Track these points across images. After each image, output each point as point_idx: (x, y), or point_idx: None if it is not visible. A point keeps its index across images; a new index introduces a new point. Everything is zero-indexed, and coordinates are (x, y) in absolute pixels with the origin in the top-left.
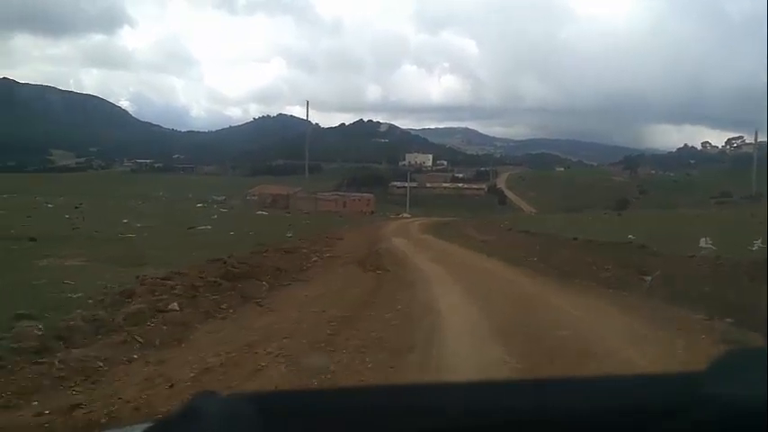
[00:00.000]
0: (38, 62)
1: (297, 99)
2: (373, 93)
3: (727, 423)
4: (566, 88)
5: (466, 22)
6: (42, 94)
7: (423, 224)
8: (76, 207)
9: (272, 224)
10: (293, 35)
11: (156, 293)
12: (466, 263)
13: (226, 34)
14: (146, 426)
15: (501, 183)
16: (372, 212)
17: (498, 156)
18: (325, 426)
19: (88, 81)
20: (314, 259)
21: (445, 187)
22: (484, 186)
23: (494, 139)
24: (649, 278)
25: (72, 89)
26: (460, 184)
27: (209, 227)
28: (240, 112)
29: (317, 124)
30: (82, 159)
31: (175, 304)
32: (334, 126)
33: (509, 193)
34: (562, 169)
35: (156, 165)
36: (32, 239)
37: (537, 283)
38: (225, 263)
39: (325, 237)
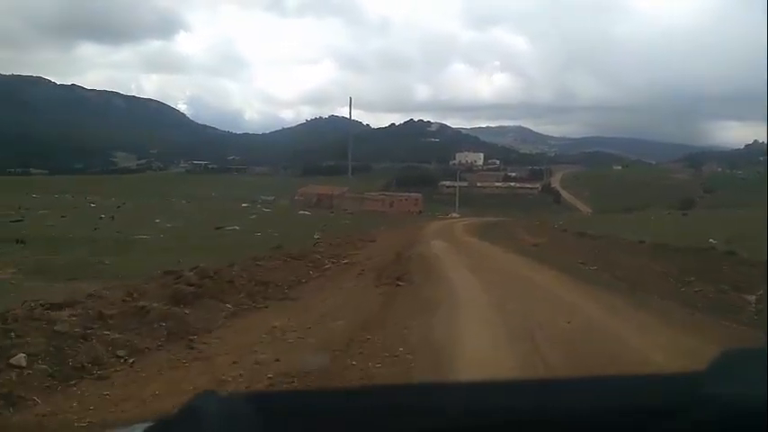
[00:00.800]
0: (102, 69)
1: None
2: (423, 92)
3: (727, 423)
4: (621, 85)
5: (516, 19)
6: (107, 99)
7: (470, 224)
8: (118, 207)
9: (306, 224)
10: (342, 36)
11: (15, 335)
12: (511, 273)
13: (276, 37)
14: (146, 425)
15: (555, 182)
16: (420, 212)
17: (552, 154)
18: (326, 426)
19: (148, 86)
20: (325, 267)
21: (497, 186)
22: (537, 185)
23: (547, 137)
24: (753, 298)
25: (134, 94)
26: (513, 184)
27: (238, 227)
28: (292, 114)
29: (367, 125)
30: (142, 161)
31: (22, 357)
32: (384, 126)
33: (564, 193)
34: (620, 167)
35: (211, 166)
36: (20, 242)
37: (603, 305)
38: (179, 278)
39: (357, 238)
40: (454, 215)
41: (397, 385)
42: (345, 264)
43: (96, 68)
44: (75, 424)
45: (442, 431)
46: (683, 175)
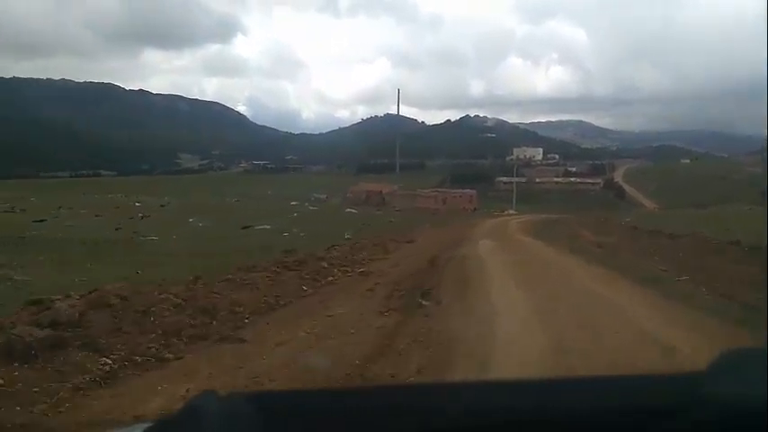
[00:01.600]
0: (167, 74)
1: (403, 99)
2: (478, 88)
3: (727, 423)
4: (686, 76)
5: (573, 10)
6: (172, 102)
7: (526, 222)
8: (162, 206)
9: (345, 223)
10: (395, 34)
11: None
12: (575, 287)
13: (330, 37)
14: (146, 426)
15: (618, 176)
16: (475, 209)
17: (614, 149)
18: (326, 426)
19: (210, 88)
20: (329, 279)
21: (556, 182)
22: (599, 180)
23: (608, 131)
24: None
25: (197, 97)
26: (573, 179)
27: (269, 227)
28: (347, 113)
29: (422, 122)
30: (205, 162)
31: None
32: (439, 123)
33: (627, 188)
34: (688, 161)
35: (270, 166)
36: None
37: (717, 342)
38: (44, 311)
39: (392, 239)
40: (510, 212)
41: (398, 385)
42: (360, 273)
43: (161, 74)
44: None
45: (441, 431)
46: (758, 168)
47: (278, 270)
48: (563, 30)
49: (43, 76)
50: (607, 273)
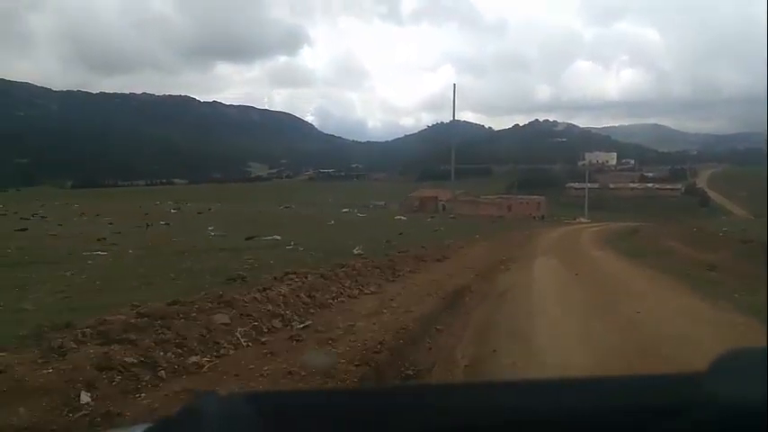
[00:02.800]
0: (238, 86)
1: (468, 104)
2: (545, 93)
3: (727, 423)
4: None
5: (643, 10)
6: (244, 113)
7: (600, 232)
8: (199, 213)
9: (378, 232)
10: (459, 41)
11: None
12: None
13: (394, 45)
14: (146, 426)
15: (701, 182)
16: (542, 217)
17: (694, 153)
18: (326, 426)
19: (279, 99)
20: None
21: (632, 188)
22: (680, 186)
23: (687, 134)
24: None
25: (267, 107)
26: (651, 185)
27: (279, 237)
28: (412, 120)
29: (489, 128)
30: (273, 170)
31: None
32: (507, 128)
33: (712, 194)
34: None
35: (337, 174)
36: None
37: None
38: None
39: (418, 255)
40: (582, 220)
41: (398, 385)
42: (289, 340)
43: (234, 86)
44: None
45: (442, 431)
46: None
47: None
48: (633, 30)
49: (126, 91)
50: (758, 325)
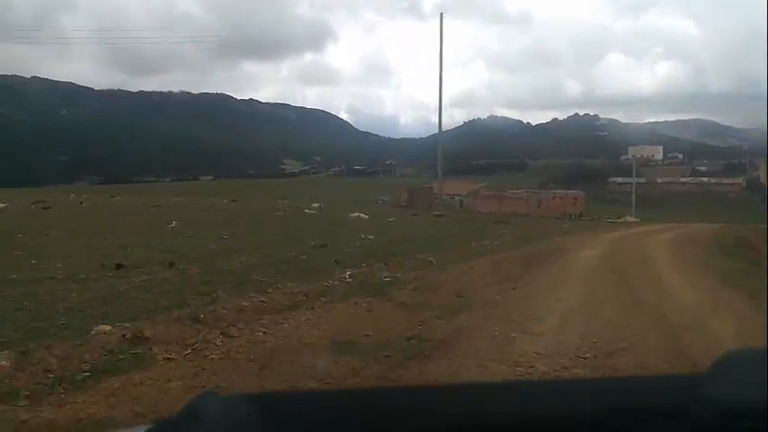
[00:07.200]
0: (272, 84)
1: (502, 100)
2: (575, 88)
3: (727, 424)
4: None
5: (675, 1)
6: (279, 110)
7: (679, 242)
8: (205, 211)
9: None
10: (488, 36)
11: None
12: None
13: (422, 41)
14: (146, 426)
15: (764, 176)
16: (580, 215)
17: (746, 147)
18: (326, 426)
19: (312, 97)
20: None
21: (683, 183)
22: (740, 181)
23: (732, 129)
24: None
25: (302, 105)
26: (705, 179)
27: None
28: (446, 117)
29: (527, 123)
30: (307, 167)
31: None
32: (544, 122)
33: None
34: None
35: (366, 170)
36: None
37: None
38: None
39: None
40: (630, 219)
41: (398, 385)
42: None
43: (268, 84)
44: None
45: (442, 431)
46: None
47: None
48: (666, 21)
49: (165, 89)
50: None
